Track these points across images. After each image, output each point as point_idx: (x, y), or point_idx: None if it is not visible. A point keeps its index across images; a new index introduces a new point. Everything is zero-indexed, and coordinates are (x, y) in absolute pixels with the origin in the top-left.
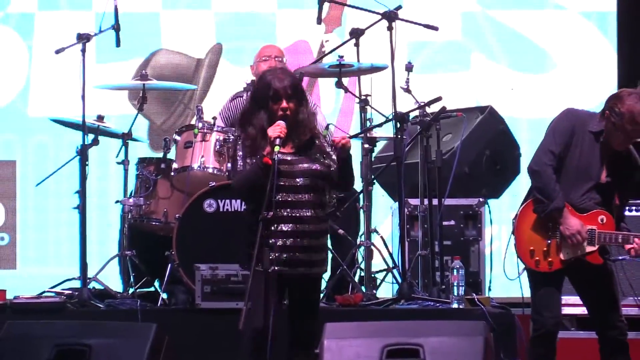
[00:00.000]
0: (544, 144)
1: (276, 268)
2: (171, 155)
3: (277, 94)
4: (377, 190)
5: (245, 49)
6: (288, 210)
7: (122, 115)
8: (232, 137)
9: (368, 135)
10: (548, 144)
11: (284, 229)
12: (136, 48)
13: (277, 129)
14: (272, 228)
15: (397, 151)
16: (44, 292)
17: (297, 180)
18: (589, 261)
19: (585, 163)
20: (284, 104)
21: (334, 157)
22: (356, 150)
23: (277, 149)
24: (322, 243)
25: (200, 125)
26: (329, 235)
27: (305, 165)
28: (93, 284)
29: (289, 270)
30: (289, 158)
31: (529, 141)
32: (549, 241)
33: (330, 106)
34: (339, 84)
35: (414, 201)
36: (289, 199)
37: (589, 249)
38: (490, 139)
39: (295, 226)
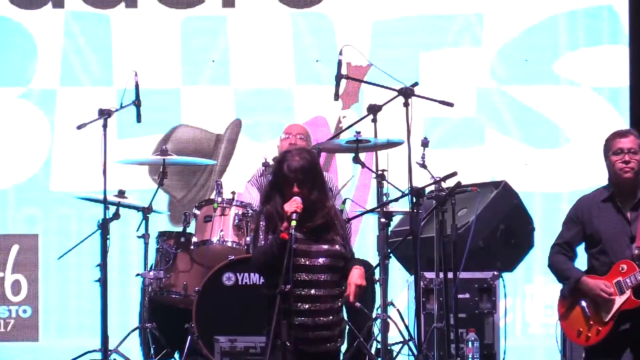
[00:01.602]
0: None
1: (293, 343)
2: (191, 229)
3: (287, 179)
4: (394, 264)
5: (263, 125)
6: (306, 290)
7: (143, 189)
8: (250, 211)
9: (384, 209)
10: (557, 238)
11: (302, 307)
12: (156, 124)
13: (293, 205)
14: (290, 306)
15: (413, 225)
16: None
17: (318, 260)
18: (629, 308)
19: (612, 228)
20: (295, 188)
21: (346, 238)
22: (372, 224)
23: (293, 223)
24: (338, 319)
25: (219, 199)
26: (345, 308)
27: (326, 246)
28: (114, 356)
29: (307, 347)
30: (306, 238)
31: (542, 215)
32: (588, 313)
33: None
34: (356, 159)
35: (430, 274)
36: (308, 279)
37: (622, 299)
38: (505, 213)
39: (313, 305)
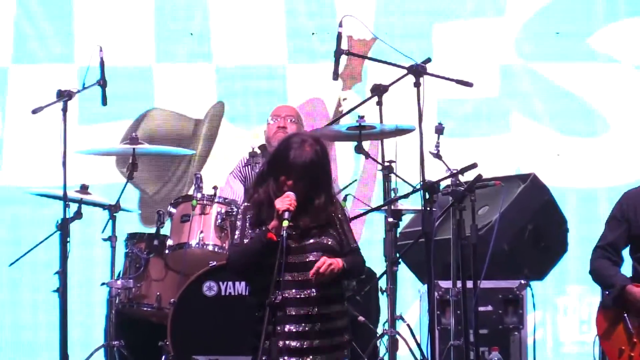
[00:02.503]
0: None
1: (286, 358)
2: (165, 230)
3: (290, 170)
4: (403, 271)
5: (250, 109)
6: (295, 290)
7: (109, 184)
8: (235, 209)
9: (392, 207)
10: (599, 240)
11: (293, 312)
12: (125, 107)
13: (285, 201)
14: (280, 313)
15: (426, 226)
16: None
17: (307, 256)
18: None
19: None
20: (291, 182)
21: (347, 234)
22: (379, 225)
23: (285, 224)
24: (337, 326)
25: (199, 195)
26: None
27: (316, 239)
28: None
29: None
30: (295, 232)
31: (577, 214)
32: (632, 329)
33: (348, 174)
34: (359, 149)
35: (446, 283)
36: (299, 279)
37: None
38: (534, 211)
39: (306, 309)
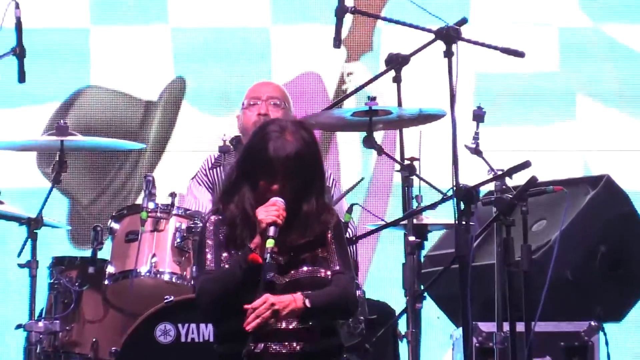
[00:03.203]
0: None
1: None
2: (104, 253)
3: (269, 168)
4: (429, 309)
5: (221, 87)
6: (278, 342)
7: (28, 190)
8: (200, 224)
9: (415, 221)
10: None
11: None
12: (51, 85)
13: (272, 211)
14: None
15: (461, 247)
16: None
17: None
18: None
19: None
20: (276, 186)
21: (336, 254)
22: (397, 246)
23: (270, 243)
24: None
25: (150, 206)
26: None
27: (308, 267)
28: None
29: None
30: (281, 258)
31: None
32: None
33: (354, 176)
34: (369, 142)
35: (487, 326)
36: (282, 325)
37: None
38: (608, 226)
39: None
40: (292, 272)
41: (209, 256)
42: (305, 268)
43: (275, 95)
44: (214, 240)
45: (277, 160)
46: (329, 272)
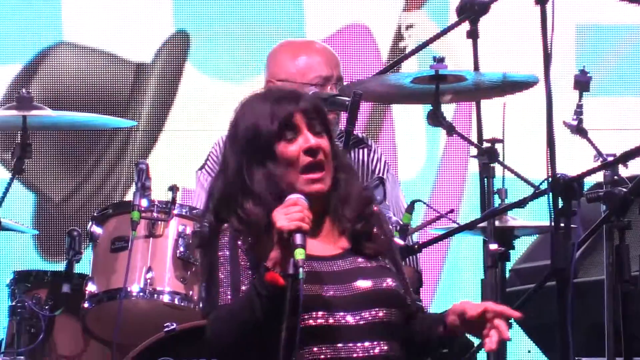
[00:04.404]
0: None
1: None
2: (83, 266)
3: (289, 121)
4: (518, 338)
5: (237, 43)
6: None
7: None
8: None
9: (497, 223)
10: None
11: None
12: (8, 41)
13: (293, 212)
14: None
15: (559, 258)
16: None
17: (359, 315)
18: None
19: None
20: (311, 140)
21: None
22: (474, 255)
23: (300, 254)
24: None
25: (144, 203)
26: None
27: (367, 280)
28: None
29: None
30: (325, 267)
31: None
32: None
33: (416, 164)
34: (435, 117)
35: None
36: (340, 355)
37: None
38: None
39: None
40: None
41: (223, 278)
42: (364, 283)
43: (325, 73)
44: (230, 258)
45: (292, 111)
46: (390, 281)
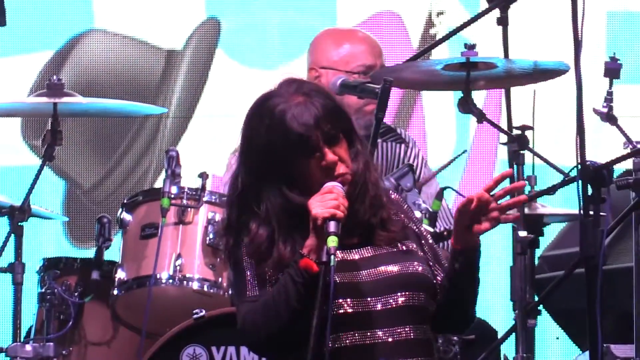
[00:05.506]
0: None
1: None
2: (112, 253)
3: (301, 144)
4: (546, 327)
5: (269, 30)
6: None
7: (10, 169)
8: None
9: (527, 210)
10: None
11: None
12: (41, 30)
13: (328, 199)
14: None
15: (588, 246)
16: None
17: (391, 298)
18: None
19: None
20: (328, 155)
21: (440, 253)
22: (503, 242)
23: (333, 241)
24: None
25: (174, 190)
26: None
27: (394, 266)
28: None
29: None
30: (356, 256)
31: None
32: None
33: (446, 152)
34: (465, 104)
35: (623, 350)
36: (367, 342)
37: None
38: None
39: None
40: (372, 269)
41: (248, 275)
42: (393, 267)
43: (370, 62)
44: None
45: (307, 129)
46: (417, 265)
